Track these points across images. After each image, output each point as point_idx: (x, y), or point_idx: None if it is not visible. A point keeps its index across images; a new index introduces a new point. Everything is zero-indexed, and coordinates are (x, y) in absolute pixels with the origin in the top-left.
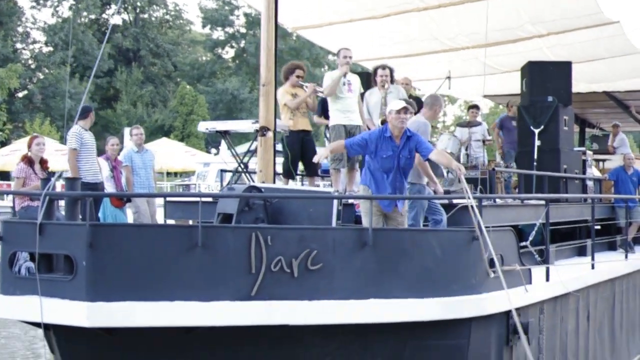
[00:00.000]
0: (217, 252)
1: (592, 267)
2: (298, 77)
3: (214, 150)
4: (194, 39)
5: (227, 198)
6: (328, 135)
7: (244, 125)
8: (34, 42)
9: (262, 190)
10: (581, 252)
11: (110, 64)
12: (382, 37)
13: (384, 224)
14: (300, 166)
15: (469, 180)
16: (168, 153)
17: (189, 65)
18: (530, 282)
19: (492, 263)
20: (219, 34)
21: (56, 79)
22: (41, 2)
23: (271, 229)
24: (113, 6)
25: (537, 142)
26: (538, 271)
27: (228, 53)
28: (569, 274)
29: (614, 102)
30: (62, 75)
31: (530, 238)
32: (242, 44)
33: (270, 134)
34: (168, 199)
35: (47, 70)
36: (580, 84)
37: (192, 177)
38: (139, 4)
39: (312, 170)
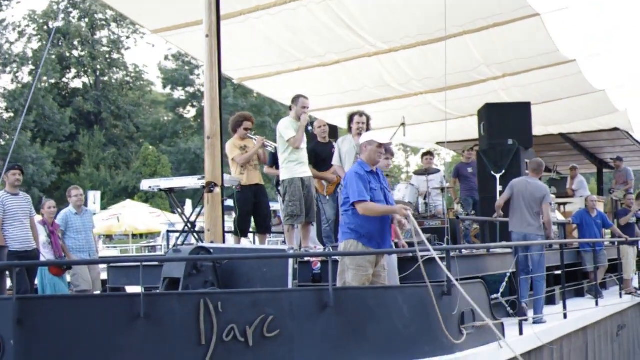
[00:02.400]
0: (162, 322)
1: (565, 316)
2: (246, 129)
3: (179, 210)
4: (155, 99)
5: (173, 262)
6: (280, 188)
7: (189, 182)
8: None
9: (211, 251)
10: (549, 300)
11: (72, 128)
12: (331, 86)
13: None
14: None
15: (430, 231)
16: (132, 215)
17: (151, 125)
18: (503, 337)
19: (462, 319)
20: (179, 93)
21: (17, 145)
22: (0, 68)
23: (221, 294)
24: (73, 70)
25: (499, 188)
26: (510, 324)
27: (189, 112)
28: (542, 325)
29: (570, 145)
30: (23, 140)
31: (502, 290)
32: (203, 102)
33: (217, 189)
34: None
35: (7, 137)
36: (536, 126)
37: (158, 239)
38: (98, 67)
39: (265, 227)
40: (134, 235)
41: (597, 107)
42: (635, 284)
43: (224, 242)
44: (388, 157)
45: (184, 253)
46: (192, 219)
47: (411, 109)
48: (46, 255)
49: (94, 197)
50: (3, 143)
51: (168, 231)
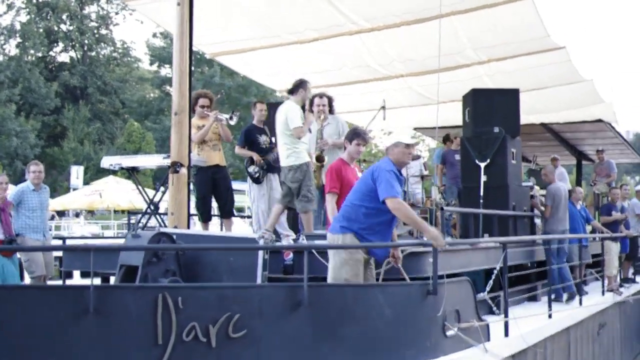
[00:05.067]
0: (114, 318)
1: (550, 316)
2: (203, 106)
3: (162, 187)
4: (142, 76)
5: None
6: (251, 169)
7: (153, 161)
8: None
9: (174, 237)
10: (532, 297)
11: (57, 102)
12: (309, 65)
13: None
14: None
15: None
16: (115, 191)
17: (136, 102)
18: (488, 339)
19: (445, 319)
20: (166, 71)
21: (2, 117)
22: None
23: (182, 289)
24: (61, 44)
25: (483, 177)
26: (495, 324)
27: None
28: (526, 326)
29: (551, 135)
30: (7, 113)
31: (488, 288)
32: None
33: (183, 170)
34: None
35: None
36: None
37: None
38: (86, 42)
39: (227, 212)
40: (115, 212)
41: (582, 97)
42: (618, 280)
43: (188, 227)
44: (360, 144)
45: (143, 239)
46: (156, 200)
47: (392, 92)
48: None
49: (77, 171)
50: None
51: (129, 213)
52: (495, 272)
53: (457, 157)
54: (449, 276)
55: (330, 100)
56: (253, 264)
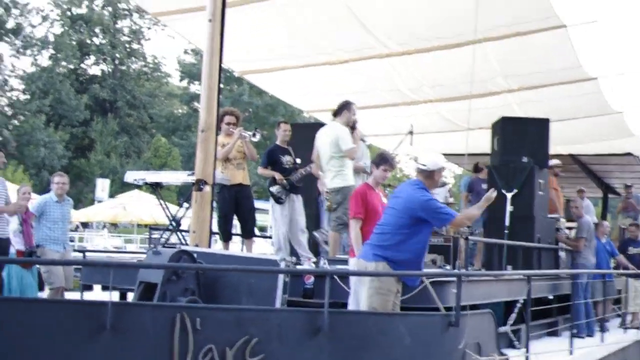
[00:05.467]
0: (131, 336)
1: (571, 352)
2: (229, 124)
3: (185, 204)
4: (171, 92)
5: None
6: (274, 189)
7: (177, 177)
8: (12, 89)
9: (195, 256)
10: (553, 333)
11: (86, 114)
12: (338, 86)
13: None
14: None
15: (433, 249)
16: (139, 205)
17: (164, 117)
18: None
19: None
20: (196, 87)
21: (31, 127)
22: (21, 50)
23: (201, 309)
24: (92, 57)
25: (510, 208)
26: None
27: None
28: None
29: (579, 166)
30: (37, 123)
31: (511, 321)
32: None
33: (207, 188)
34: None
35: (22, 118)
36: None
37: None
38: (118, 55)
39: (249, 231)
40: (139, 225)
41: (612, 130)
42: None
43: (209, 246)
44: (387, 169)
45: (163, 256)
46: (179, 217)
47: (420, 117)
48: (16, 245)
49: (103, 184)
50: (18, 124)
51: (150, 228)
52: (519, 305)
53: (484, 186)
54: (472, 307)
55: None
56: (273, 286)
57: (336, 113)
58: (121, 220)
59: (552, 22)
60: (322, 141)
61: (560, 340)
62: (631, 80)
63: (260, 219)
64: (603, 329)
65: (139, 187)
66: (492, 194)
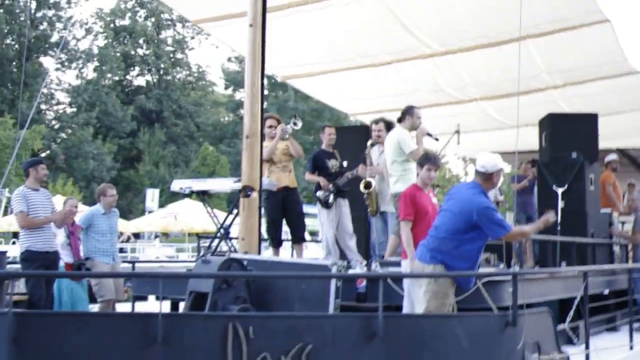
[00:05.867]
0: (183, 348)
1: (631, 347)
2: (270, 127)
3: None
4: (216, 100)
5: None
6: (320, 194)
7: (224, 185)
8: (58, 103)
9: (244, 262)
10: (612, 327)
11: (133, 125)
12: (382, 88)
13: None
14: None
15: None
16: (190, 213)
17: (211, 125)
18: None
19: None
20: (241, 95)
21: (79, 140)
22: (66, 64)
23: (253, 318)
24: (137, 68)
25: (561, 204)
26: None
27: None
28: (607, 357)
29: (627, 160)
30: (85, 136)
31: (569, 318)
32: (265, 105)
33: (254, 194)
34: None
35: (70, 131)
36: None
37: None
38: (162, 66)
39: (299, 237)
40: (190, 234)
41: None
42: None
43: (259, 252)
44: (430, 168)
45: (213, 265)
46: (227, 224)
47: (466, 116)
48: (65, 257)
49: (153, 194)
50: (66, 137)
51: (198, 236)
52: (576, 301)
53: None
54: (527, 306)
55: (388, 125)
56: (325, 291)
57: (400, 119)
58: (172, 229)
59: (596, 17)
60: (386, 147)
61: (620, 336)
62: None
63: (311, 223)
64: None
65: (188, 196)
66: (552, 217)
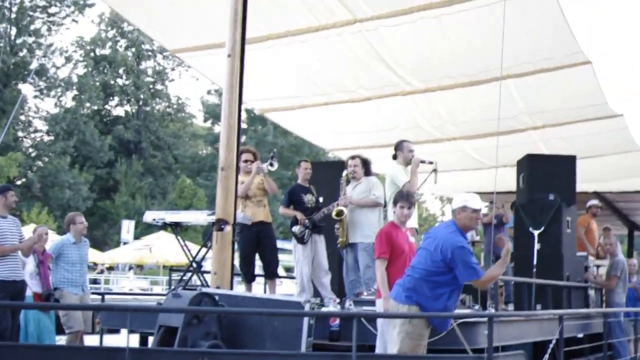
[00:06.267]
0: None
1: None
2: (246, 161)
3: (182, 246)
4: (195, 132)
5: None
6: (296, 229)
7: (197, 217)
8: (36, 130)
9: (216, 298)
10: None
11: (110, 155)
12: (360, 125)
13: None
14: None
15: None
16: (165, 246)
17: (189, 158)
18: None
19: None
20: (220, 128)
21: (56, 169)
22: (45, 92)
23: (223, 355)
24: (116, 98)
25: (537, 246)
26: None
27: None
28: None
29: (604, 204)
30: (61, 165)
31: None
32: (243, 139)
33: (228, 228)
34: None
35: (46, 159)
36: None
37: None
38: (142, 96)
39: (272, 272)
40: (164, 267)
41: (638, 166)
42: None
43: (231, 287)
44: (403, 206)
45: (184, 299)
46: (199, 258)
47: (444, 154)
48: (33, 287)
49: (128, 226)
50: (42, 165)
51: (171, 269)
52: (551, 345)
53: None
54: (502, 348)
55: (364, 162)
56: (298, 329)
57: (394, 156)
58: (147, 261)
59: (578, 59)
60: (386, 186)
61: None
62: None
63: (286, 259)
64: None
65: (163, 228)
66: (507, 245)
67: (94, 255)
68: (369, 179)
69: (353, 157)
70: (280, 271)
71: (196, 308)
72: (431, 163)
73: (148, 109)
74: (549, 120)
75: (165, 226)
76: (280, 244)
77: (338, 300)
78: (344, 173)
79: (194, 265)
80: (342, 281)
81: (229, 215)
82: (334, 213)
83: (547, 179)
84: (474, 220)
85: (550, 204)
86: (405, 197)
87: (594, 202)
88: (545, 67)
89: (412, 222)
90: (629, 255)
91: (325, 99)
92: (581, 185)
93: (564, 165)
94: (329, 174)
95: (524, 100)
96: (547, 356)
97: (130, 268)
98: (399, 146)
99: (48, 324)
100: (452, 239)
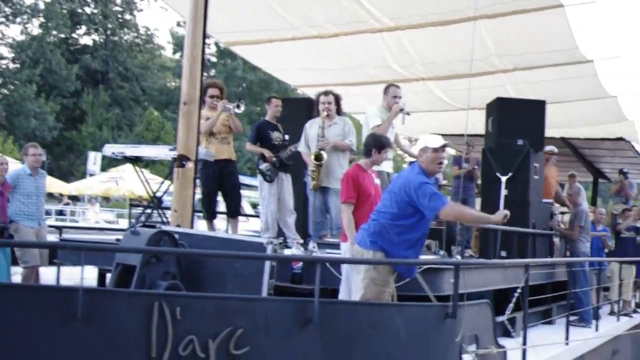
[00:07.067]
0: (104, 326)
1: (567, 343)
2: (212, 96)
3: (166, 182)
4: (163, 64)
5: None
6: (263, 167)
7: (159, 152)
8: (1, 57)
9: (176, 237)
10: (546, 317)
11: (77, 85)
12: (327, 61)
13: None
14: None
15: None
16: (132, 179)
17: (157, 90)
18: None
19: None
20: None
21: (21, 97)
22: (10, 18)
23: (181, 297)
24: (84, 27)
25: (504, 192)
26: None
27: None
28: (543, 353)
29: (570, 150)
30: (27, 93)
31: (508, 312)
32: (212, 72)
33: (190, 164)
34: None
35: (12, 87)
36: None
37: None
38: (110, 26)
39: (234, 210)
40: (131, 200)
41: (605, 114)
42: (632, 305)
43: (192, 225)
44: (387, 152)
45: (142, 237)
46: (160, 194)
47: (412, 95)
48: None
49: (95, 157)
50: (8, 93)
51: (131, 204)
52: (516, 294)
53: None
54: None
55: (337, 98)
56: (259, 270)
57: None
58: (113, 194)
59: (550, 1)
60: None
61: (555, 329)
62: (627, 64)
63: (254, 195)
64: (597, 318)
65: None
66: (505, 213)
67: (59, 186)
68: (344, 120)
69: (326, 93)
70: (247, 207)
71: (154, 248)
72: (408, 114)
73: (116, 38)
74: (518, 64)
75: (125, 160)
76: (247, 180)
77: (302, 241)
78: (323, 114)
79: (154, 202)
80: (306, 222)
81: (191, 152)
82: (312, 157)
83: (516, 123)
84: (436, 161)
85: (519, 150)
86: (391, 145)
87: (550, 147)
88: (517, 9)
89: (387, 167)
90: (593, 202)
91: (293, 34)
92: (548, 131)
93: (534, 110)
94: (295, 111)
95: (494, 43)
96: (511, 305)
97: (96, 200)
98: (385, 90)
99: (1, 259)
100: (415, 178)
